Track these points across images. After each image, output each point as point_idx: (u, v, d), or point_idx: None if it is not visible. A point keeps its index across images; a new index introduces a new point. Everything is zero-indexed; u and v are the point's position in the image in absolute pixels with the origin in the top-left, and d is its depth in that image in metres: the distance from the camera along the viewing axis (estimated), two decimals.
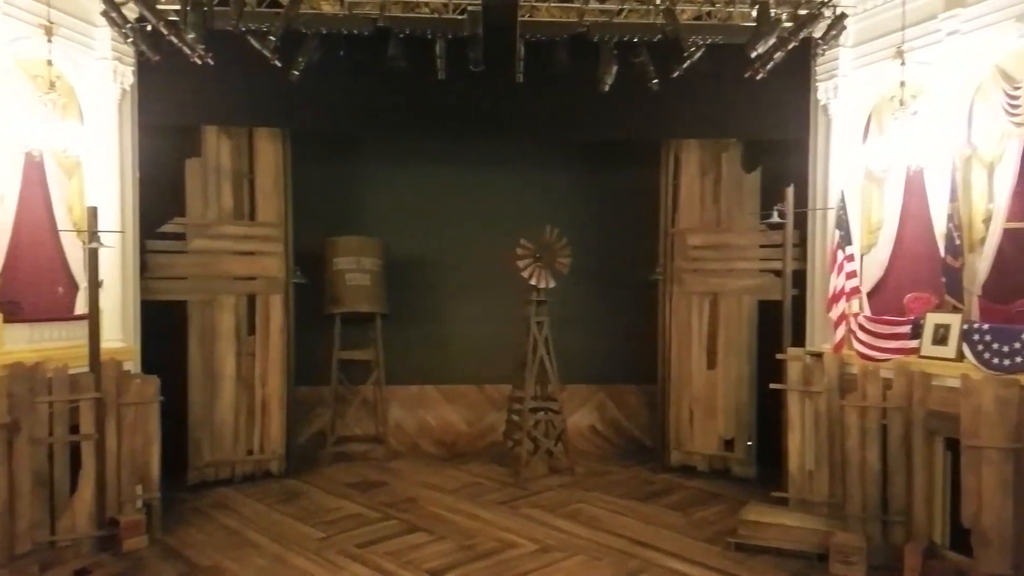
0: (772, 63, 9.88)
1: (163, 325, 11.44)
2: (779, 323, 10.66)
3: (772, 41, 9.49)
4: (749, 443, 12.51)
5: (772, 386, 10.47)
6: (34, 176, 9.64)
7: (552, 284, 12.54)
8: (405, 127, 12.42)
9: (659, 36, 10.25)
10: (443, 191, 14.58)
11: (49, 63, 9.11)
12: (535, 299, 12.62)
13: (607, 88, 10.55)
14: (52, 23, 9.18)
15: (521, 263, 12.42)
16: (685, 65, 10.38)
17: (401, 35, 10.12)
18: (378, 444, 14.03)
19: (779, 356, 10.40)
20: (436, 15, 10.27)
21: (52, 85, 9.07)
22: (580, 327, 14.23)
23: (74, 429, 9.02)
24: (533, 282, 12.46)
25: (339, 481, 12.45)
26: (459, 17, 10.15)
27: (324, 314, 13.58)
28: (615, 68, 10.38)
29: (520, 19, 9.41)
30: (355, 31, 10.06)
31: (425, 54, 10.36)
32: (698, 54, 10.35)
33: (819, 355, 10.26)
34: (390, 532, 10.12)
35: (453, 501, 11.40)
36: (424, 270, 14.71)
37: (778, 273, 11.36)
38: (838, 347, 10.12)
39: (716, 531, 10.03)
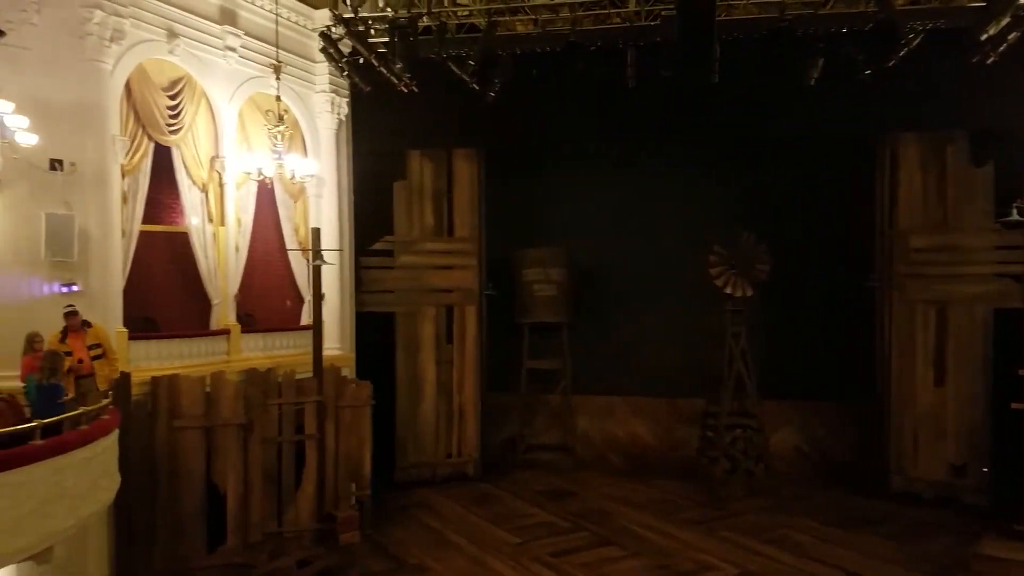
0: (1004, 45, 8.82)
1: (373, 334, 12.36)
2: (1019, 334, 9.46)
3: (1005, 21, 8.48)
4: (984, 469, 11.13)
5: (1013, 405, 9.33)
6: (266, 201, 10.88)
7: (750, 293, 11.94)
8: (594, 137, 12.51)
9: (870, 25, 9.48)
10: (630, 198, 14.28)
11: (278, 98, 10.18)
12: (730, 308, 12.08)
13: (812, 82, 9.93)
14: (281, 62, 10.24)
15: (714, 271, 11.96)
16: (901, 53, 9.52)
17: (592, 47, 10.16)
18: (565, 453, 14.10)
19: (1022, 372, 9.22)
20: (628, 23, 10.19)
21: (281, 118, 10.10)
22: (781, 338, 13.25)
23: (297, 430, 9.88)
24: (728, 291, 11.93)
25: (529, 488, 12.66)
26: (652, 23, 10.02)
27: (514, 324, 13.90)
28: (821, 61, 9.74)
29: (717, 18, 9.10)
30: (547, 48, 10.25)
31: (613, 64, 10.33)
32: (916, 41, 9.46)
33: None
34: (582, 543, 10.11)
35: (645, 517, 11.16)
36: (610, 279, 14.48)
37: (1018, 278, 10.18)
38: None
39: (942, 566, 9.03)
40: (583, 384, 14.38)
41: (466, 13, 10.35)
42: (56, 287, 8.27)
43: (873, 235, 12.24)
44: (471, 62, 9.99)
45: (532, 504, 11.80)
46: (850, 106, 10.72)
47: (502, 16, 10.25)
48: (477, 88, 10.43)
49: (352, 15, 9.91)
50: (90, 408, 6.64)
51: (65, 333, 7.53)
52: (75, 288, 8.30)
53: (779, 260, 12.28)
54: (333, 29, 10.27)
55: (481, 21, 10.17)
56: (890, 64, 9.63)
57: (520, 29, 10.73)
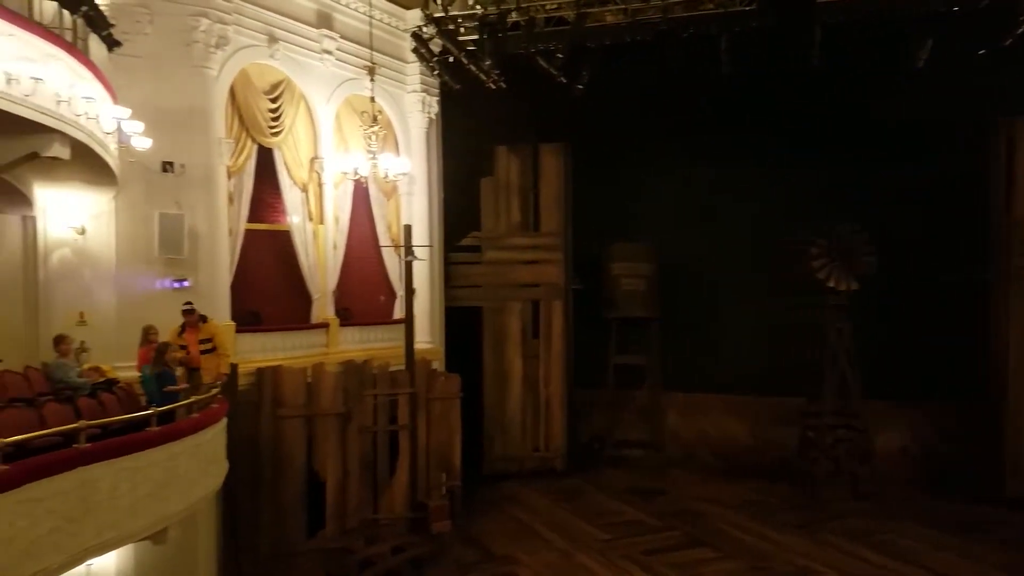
0: None
1: (461, 328, 12.51)
2: None
3: None
4: None
5: None
6: (361, 199, 11.17)
7: (855, 286, 11.38)
8: (683, 129, 12.21)
9: (984, 2, 8.89)
10: (720, 190, 13.66)
11: (372, 99, 10.36)
12: (832, 303, 11.55)
13: (921, 65, 9.39)
14: (374, 64, 10.45)
15: (816, 263, 11.44)
16: (1019, 31, 8.88)
17: (684, 35, 9.93)
18: (654, 451, 13.86)
19: None
20: (722, 9, 9.89)
21: (375, 119, 10.29)
22: (886, 335, 12.48)
23: (390, 420, 10.07)
24: (831, 284, 11.40)
25: (618, 484, 12.53)
26: (747, 8, 9.68)
27: (602, 319, 13.75)
28: (930, 43, 9.20)
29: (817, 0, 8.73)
30: (637, 38, 10.09)
31: (705, 53, 10.05)
32: None
33: None
34: (673, 543, 9.95)
35: (739, 518, 10.84)
36: (700, 272, 13.93)
37: None
38: None
39: None
40: (671, 380, 14.11)
41: (555, 6, 10.30)
42: (168, 283, 8.71)
43: (987, 225, 11.49)
44: (559, 55, 9.95)
45: (621, 501, 11.70)
46: (962, 89, 10.12)
47: (591, 7, 10.14)
48: (564, 82, 10.38)
49: (443, 14, 10.04)
50: (200, 397, 6.98)
51: (184, 328, 7.96)
52: (186, 284, 8.71)
53: (882, 252, 11.65)
54: (424, 29, 10.45)
55: (570, 14, 10.10)
56: (1006, 43, 9.01)
57: (609, 20, 10.59)
